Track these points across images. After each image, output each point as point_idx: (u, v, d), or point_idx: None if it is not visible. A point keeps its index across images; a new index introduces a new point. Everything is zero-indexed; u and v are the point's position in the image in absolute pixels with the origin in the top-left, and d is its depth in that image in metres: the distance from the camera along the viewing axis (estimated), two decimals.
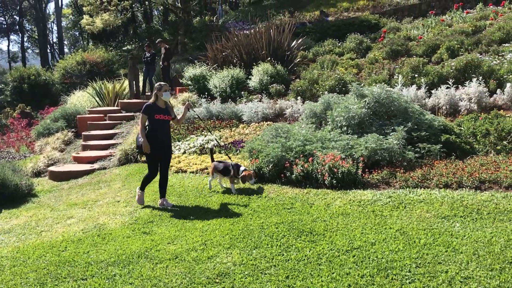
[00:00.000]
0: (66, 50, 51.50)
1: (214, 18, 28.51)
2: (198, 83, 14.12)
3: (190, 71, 14.46)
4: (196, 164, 8.28)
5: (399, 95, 7.49)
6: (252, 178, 6.61)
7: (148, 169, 6.70)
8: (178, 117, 6.88)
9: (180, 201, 6.77)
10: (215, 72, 14.30)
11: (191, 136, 10.15)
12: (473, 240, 4.18)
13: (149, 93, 15.90)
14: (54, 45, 55.08)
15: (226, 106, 11.74)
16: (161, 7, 34.05)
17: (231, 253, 4.54)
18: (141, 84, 16.38)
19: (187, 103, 6.91)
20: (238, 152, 8.34)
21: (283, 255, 4.35)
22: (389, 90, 7.39)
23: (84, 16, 24.15)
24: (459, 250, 4.00)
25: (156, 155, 6.50)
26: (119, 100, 15.94)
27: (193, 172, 8.04)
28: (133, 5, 29.10)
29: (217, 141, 8.88)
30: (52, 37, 58.22)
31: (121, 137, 12.46)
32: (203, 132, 10.28)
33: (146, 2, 34.80)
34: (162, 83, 6.60)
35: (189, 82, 14.39)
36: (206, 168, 7.92)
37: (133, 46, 30.50)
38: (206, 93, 13.43)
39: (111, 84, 17.22)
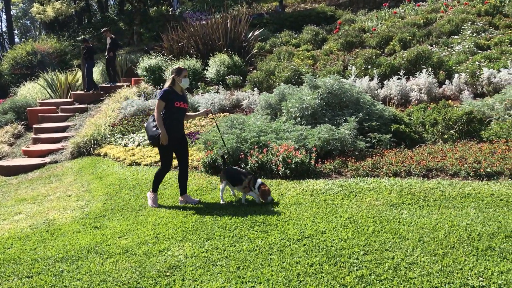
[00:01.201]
0: (16, 40, 49.42)
1: (171, 8, 28.06)
2: (153, 74, 13.88)
3: (146, 62, 14.19)
4: (150, 156, 8.15)
5: (351, 86, 7.61)
6: (270, 195, 5.55)
7: (162, 163, 5.95)
8: (189, 113, 6.25)
9: (133, 194, 6.65)
10: (171, 63, 14.09)
11: None
12: (419, 227, 4.31)
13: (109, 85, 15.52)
14: (4, 34, 52.73)
15: None
16: None
17: (183, 245, 4.51)
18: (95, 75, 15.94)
19: (209, 109, 6.13)
20: (193, 144, 8.27)
21: (235, 246, 4.35)
22: (341, 81, 7.50)
23: (34, 4, 23.22)
24: (405, 237, 4.12)
25: (172, 147, 5.78)
26: (72, 92, 15.50)
27: (147, 165, 7.92)
28: None
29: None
30: (1, 26, 55.78)
31: (74, 129, 12.13)
32: None
33: None
34: (181, 66, 5.88)
35: (145, 73, 14.12)
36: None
37: (88, 36, 29.61)
38: (162, 84, 13.20)
39: (63, 75, 16.68)
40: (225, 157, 6.46)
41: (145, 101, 12.20)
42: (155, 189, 6.03)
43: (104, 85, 15.78)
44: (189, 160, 7.46)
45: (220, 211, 5.38)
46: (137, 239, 4.81)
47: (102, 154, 9.33)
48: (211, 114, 6.31)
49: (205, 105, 10.73)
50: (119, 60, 17.36)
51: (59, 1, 21.88)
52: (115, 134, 10.08)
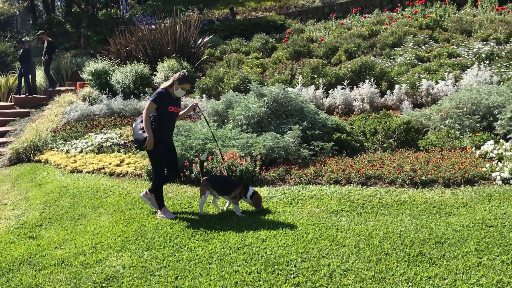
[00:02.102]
0: None
1: (121, 12, 27.56)
2: (99, 78, 13.54)
3: (92, 66, 13.82)
4: (93, 163, 7.94)
5: (296, 95, 7.75)
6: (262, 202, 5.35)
7: (154, 173, 5.49)
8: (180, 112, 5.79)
9: (74, 202, 6.45)
10: (118, 68, 13.82)
11: (89, 134, 9.72)
12: (356, 234, 4.43)
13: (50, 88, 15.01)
14: None
15: (129, 103, 11.40)
16: None
17: (122, 255, 4.42)
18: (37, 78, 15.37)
19: (195, 102, 5.64)
20: (138, 151, 8.12)
21: (175, 255, 4.31)
22: (286, 90, 7.62)
23: None
24: (342, 244, 4.22)
25: (162, 153, 5.35)
26: (13, 95, 14.86)
27: (89, 172, 7.71)
28: None
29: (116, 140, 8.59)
30: None
31: (14, 135, 11.66)
32: (102, 130, 9.89)
33: None
34: (187, 74, 5.42)
35: (90, 77, 13.75)
36: (103, 168, 7.63)
37: (32, 37, 28.51)
38: (108, 89, 12.92)
39: (3, 77, 15.98)
40: (204, 163, 5.85)
41: (90, 106, 11.90)
42: (161, 205, 5.43)
43: (47, 89, 15.26)
44: (133, 168, 7.37)
45: (161, 220, 5.31)
46: (74, 249, 4.67)
47: (42, 160, 9.01)
48: (197, 108, 5.75)
49: None
50: (64, 63, 16.84)
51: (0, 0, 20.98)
52: (57, 140, 9.76)
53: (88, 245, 4.76)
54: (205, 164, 6.12)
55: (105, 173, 7.50)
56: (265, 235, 4.56)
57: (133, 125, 5.49)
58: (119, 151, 8.37)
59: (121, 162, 7.78)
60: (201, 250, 4.36)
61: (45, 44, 14.96)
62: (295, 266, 3.86)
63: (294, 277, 3.68)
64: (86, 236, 5.03)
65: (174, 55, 13.62)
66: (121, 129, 9.92)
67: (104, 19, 25.55)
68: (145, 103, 11.08)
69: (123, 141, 8.84)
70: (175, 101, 5.34)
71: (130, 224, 5.28)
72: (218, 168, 6.36)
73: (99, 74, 13.58)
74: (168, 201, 5.93)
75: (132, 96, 12.20)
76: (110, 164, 7.71)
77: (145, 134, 5.14)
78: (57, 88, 15.03)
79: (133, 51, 14.57)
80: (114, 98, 12.06)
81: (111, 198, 6.47)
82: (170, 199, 6.06)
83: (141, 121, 5.29)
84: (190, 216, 5.40)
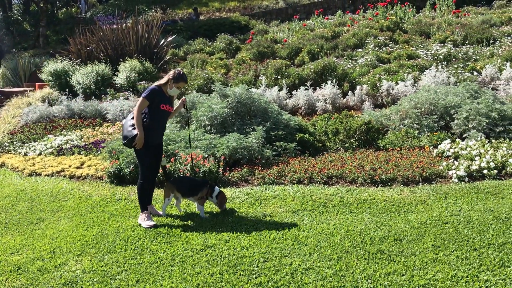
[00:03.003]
0: None
1: (80, 11, 26.95)
2: (59, 79, 13.19)
3: (51, 66, 13.45)
4: (52, 166, 7.73)
5: (259, 95, 7.78)
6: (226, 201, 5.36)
7: (141, 174, 5.18)
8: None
9: (31, 206, 6.25)
10: (79, 68, 13.50)
11: (48, 136, 9.46)
12: (318, 233, 4.48)
13: None
14: None
15: (89, 104, 11.17)
16: None
17: (82, 260, 4.32)
18: None
19: (184, 97, 5.50)
20: (99, 152, 7.97)
21: (136, 258, 4.25)
22: (250, 91, 7.64)
23: None
24: (304, 243, 4.27)
25: (151, 153, 5.12)
26: None
27: (48, 175, 7.50)
28: None
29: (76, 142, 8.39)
30: None
31: None
32: (62, 132, 9.64)
33: None
34: (183, 72, 5.17)
35: (50, 78, 13.38)
36: (63, 170, 7.44)
37: None
38: (68, 90, 12.61)
39: None
40: (166, 166, 5.69)
41: (50, 107, 11.58)
42: (143, 208, 5.16)
43: (5, 90, 14.76)
44: (94, 170, 7.22)
45: (124, 222, 5.23)
46: (32, 255, 4.53)
47: None
48: (185, 105, 5.47)
49: (113, 112, 10.39)
50: (22, 63, 16.33)
51: None
52: (15, 143, 9.45)
53: (47, 250, 4.63)
54: (167, 166, 6.06)
55: (65, 176, 7.32)
56: (228, 236, 4.56)
57: (123, 121, 5.29)
58: (79, 153, 8.18)
59: (82, 164, 7.61)
60: (163, 253, 4.31)
61: None
62: (257, 266, 3.88)
63: (256, 277, 3.69)
64: (45, 241, 4.89)
65: (136, 55, 13.42)
66: (82, 130, 9.71)
67: (64, 18, 24.98)
68: (106, 104, 10.89)
69: (84, 143, 8.65)
70: (168, 99, 5.15)
71: (90, 227, 5.17)
72: (180, 170, 6.31)
73: (59, 75, 13.24)
74: (129, 204, 5.85)
75: (93, 97, 11.95)
76: (70, 166, 7.53)
77: (135, 131, 4.93)
78: (15, 89, 14.55)
79: (94, 51, 14.28)
80: (74, 99, 11.79)
81: (71, 201, 6.32)
82: (132, 201, 5.96)
83: (132, 118, 5.07)
84: (153, 219, 5.33)
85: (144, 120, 5.00)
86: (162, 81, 5.15)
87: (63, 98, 12.05)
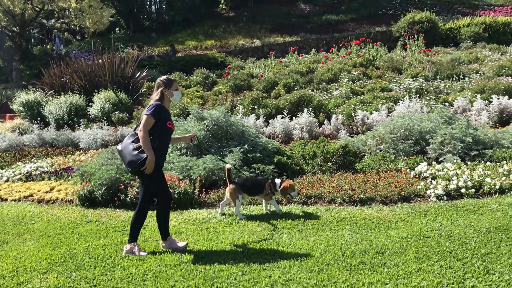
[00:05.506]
0: None
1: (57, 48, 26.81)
2: (31, 110, 12.93)
3: (23, 97, 13.20)
4: (19, 191, 7.40)
5: (237, 119, 7.72)
6: (295, 189, 5.37)
7: (160, 197, 4.59)
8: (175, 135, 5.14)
9: None
10: (52, 99, 13.28)
11: (17, 163, 9.13)
12: (297, 248, 4.34)
13: None
14: None
15: (62, 133, 10.92)
16: None
17: (47, 277, 4.05)
18: None
19: (193, 134, 5.27)
20: (70, 177, 7.70)
21: (106, 274, 4.00)
22: (228, 114, 7.57)
23: None
24: (283, 257, 4.11)
25: (161, 176, 4.54)
26: None
27: (15, 200, 7.16)
28: None
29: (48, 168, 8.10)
30: None
31: None
32: (32, 160, 9.32)
33: None
34: (170, 77, 4.71)
35: (21, 109, 13.10)
36: (31, 195, 7.13)
37: None
38: (40, 120, 12.33)
39: None
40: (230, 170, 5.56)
41: (20, 136, 11.27)
42: (165, 235, 4.65)
43: None
44: (64, 194, 6.96)
45: (94, 242, 4.96)
46: None
47: None
48: (196, 140, 5.09)
49: (86, 140, 10.15)
50: None
51: None
52: None
53: (9, 269, 4.33)
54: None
55: (33, 200, 7.00)
56: (204, 253, 4.37)
57: (119, 147, 4.54)
58: (49, 179, 7.89)
59: (51, 189, 7.32)
60: (135, 269, 4.08)
61: None
62: (235, 279, 3.69)
63: None
64: (7, 261, 4.58)
65: (111, 86, 13.31)
66: (53, 158, 9.42)
67: (39, 54, 24.78)
68: (78, 133, 10.66)
69: (54, 170, 8.35)
70: (170, 115, 4.64)
71: (58, 247, 4.89)
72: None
73: (31, 105, 12.99)
74: (100, 225, 5.59)
75: (66, 127, 11.71)
76: (39, 191, 7.23)
77: (144, 155, 4.28)
78: None
79: (68, 82, 14.13)
80: (46, 129, 11.52)
81: (38, 224, 6.00)
82: (103, 223, 5.71)
83: (132, 141, 4.43)
84: (124, 237, 5.07)
85: (150, 138, 4.36)
86: (157, 97, 4.53)
87: (34, 127, 11.75)
